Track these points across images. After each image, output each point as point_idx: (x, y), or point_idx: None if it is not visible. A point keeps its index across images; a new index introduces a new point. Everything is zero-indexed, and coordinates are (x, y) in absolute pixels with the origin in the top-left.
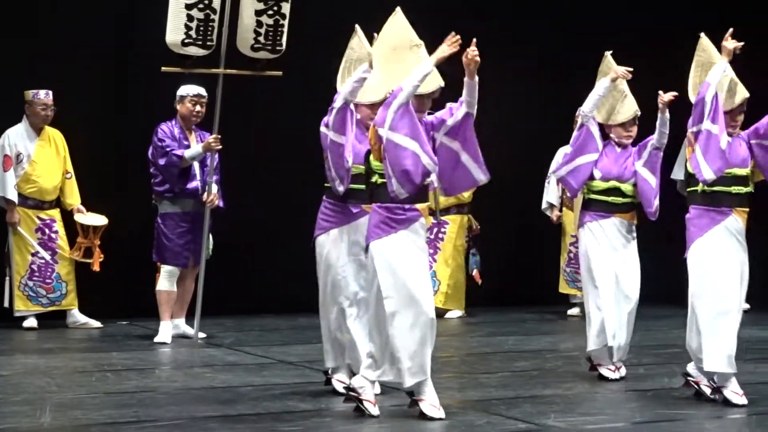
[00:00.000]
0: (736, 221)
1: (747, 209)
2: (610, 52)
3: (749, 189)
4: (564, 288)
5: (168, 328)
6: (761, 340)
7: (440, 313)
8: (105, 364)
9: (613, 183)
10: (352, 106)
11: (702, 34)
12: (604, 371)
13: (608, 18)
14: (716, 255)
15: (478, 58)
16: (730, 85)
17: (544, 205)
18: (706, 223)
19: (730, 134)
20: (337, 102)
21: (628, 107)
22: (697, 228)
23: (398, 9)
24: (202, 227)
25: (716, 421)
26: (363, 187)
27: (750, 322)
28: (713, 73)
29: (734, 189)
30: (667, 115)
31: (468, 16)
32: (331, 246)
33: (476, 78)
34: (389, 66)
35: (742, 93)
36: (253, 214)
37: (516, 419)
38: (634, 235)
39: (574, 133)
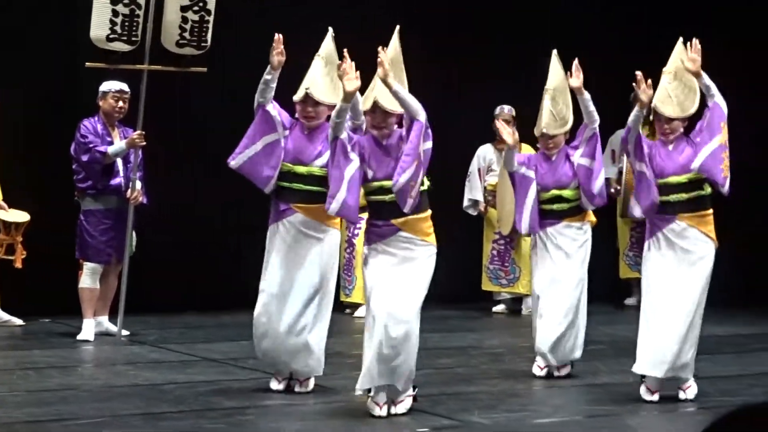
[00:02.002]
0: (678, 225)
1: (697, 213)
2: (555, 51)
3: (698, 192)
4: (487, 285)
5: (91, 326)
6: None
7: (354, 309)
8: (27, 362)
9: (553, 192)
10: (272, 109)
11: (681, 40)
12: (534, 367)
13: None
14: (650, 262)
15: (382, 66)
16: (666, 96)
17: (465, 203)
18: (651, 230)
19: (668, 142)
20: (255, 102)
21: (540, 122)
22: (647, 234)
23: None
24: (126, 224)
25: (637, 417)
26: (291, 185)
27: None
28: (631, 119)
29: (672, 197)
30: (586, 95)
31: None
32: (270, 237)
33: (391, 84)
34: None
35: (654, 104)
36: (177, 211)
37: (440, 416)
38: (586, 235)
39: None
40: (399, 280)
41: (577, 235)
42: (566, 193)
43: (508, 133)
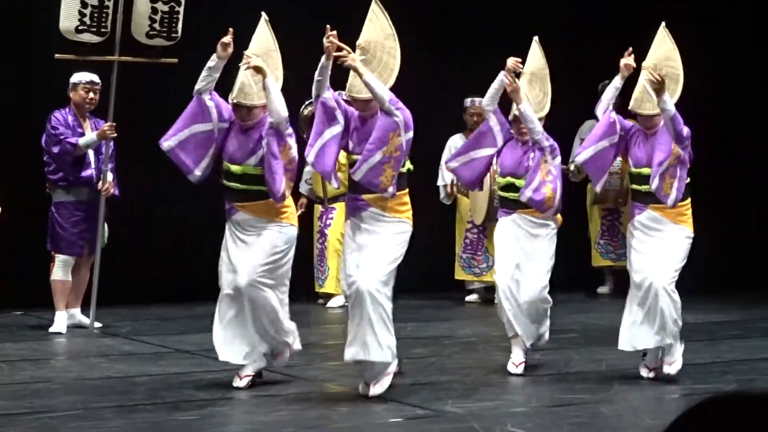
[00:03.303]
0: (649, 214)
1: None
2: (536, 38)
3: None
4: (459, 274)
5: (63, 318)
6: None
7: (327, 300)
8: None
9: (508, 179)
10: (209, 99)
11: (663, 24)
12: (509, 363)
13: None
14: (631, 245)
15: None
16: (645, 93)
17: (442, 194)
18: (631, 215)
19: (650, 134)
20: None
21: (514, 106)
22: (630, 216)
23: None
24: (97, 216)
25: (610, 405)
26: (230, 185)
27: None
28: (607, 90)
29: (644, 188)
30: (522, 107)
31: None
32: (225, 237)
33: (362, 73)
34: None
35: (631, 103)
36: (148, 202)
37: (414, 405)
38: (547, 231)
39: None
40: (365, 251)
41: (534, 230)
42: (519, 182)
43: (509, 82)
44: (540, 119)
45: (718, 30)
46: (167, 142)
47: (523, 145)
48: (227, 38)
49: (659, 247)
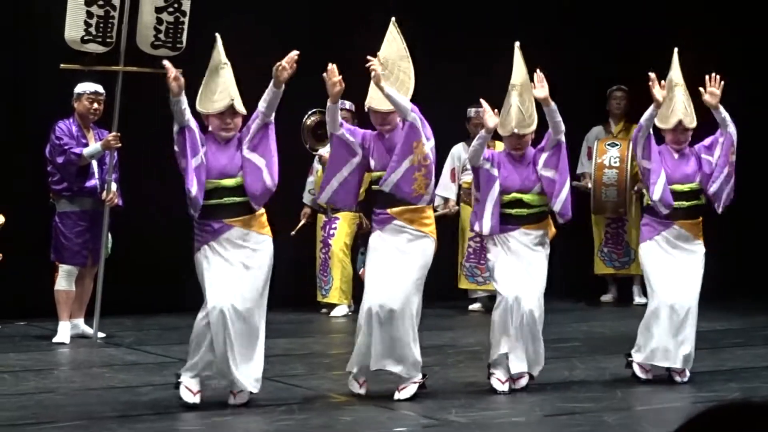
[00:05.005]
0: (677, 230)
1: (694, 220)
2: (518, 43)
3: (695, 202)
4: (463, 283)
5: (67, 328)
6: None
7: (330, 309)
8: (2, 365)
9: (514, 195)
10: (195, 126)
11: (675, 50)
12: (493, 380)
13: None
14: (653, 259)
15: (374, 72)
16: (672, 106)
17: (437, 202)
18: (650, 231)
19: (677, 150)
20: (175, 127)
21: (510, 120)
22: (644, 233)
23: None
24: (101, 226)
25: (615, 414)
26: (222, 201)
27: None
28: (646, 117)
29: (675, 204)
30: (553, 105)
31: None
32: (204, 261)
33: (383, 87)
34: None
35: (677, 116)
36: (152, 212)
37: (417, 414)
38: (545, 246)
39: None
40: (394, 272)
41: (534, 245)
42: (528, 197)
43: (491, 114)
44: (532, 133)
45: (730, 37)
46: (195, 189)
47: (518, 161)
48: (178, 73)
49: (687, 267)
